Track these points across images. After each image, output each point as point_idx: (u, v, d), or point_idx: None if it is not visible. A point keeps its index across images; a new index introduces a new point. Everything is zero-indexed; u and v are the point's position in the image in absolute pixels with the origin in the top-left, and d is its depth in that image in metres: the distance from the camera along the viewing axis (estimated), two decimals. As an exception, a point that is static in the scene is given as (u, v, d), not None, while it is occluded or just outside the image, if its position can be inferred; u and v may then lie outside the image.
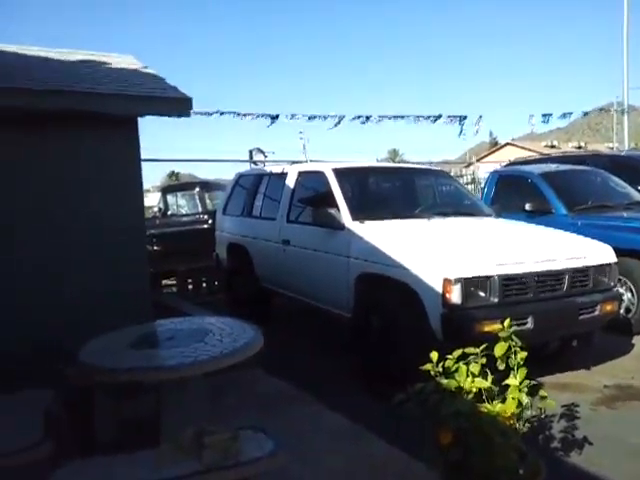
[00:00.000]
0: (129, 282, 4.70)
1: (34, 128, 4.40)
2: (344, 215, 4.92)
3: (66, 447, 2.97)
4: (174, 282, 9.05)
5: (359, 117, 14.28)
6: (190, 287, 8.89)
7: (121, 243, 4.67)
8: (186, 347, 3.22)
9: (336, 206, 5.02)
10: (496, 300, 3.91)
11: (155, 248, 8.35)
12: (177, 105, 4.81)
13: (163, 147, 26.21)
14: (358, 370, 4.62)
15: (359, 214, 4.92)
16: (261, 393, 4.31)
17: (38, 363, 3.53)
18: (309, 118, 14.04)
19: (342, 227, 4.87)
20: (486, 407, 2.52)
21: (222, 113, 13.14)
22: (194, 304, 6.74)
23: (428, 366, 2.70)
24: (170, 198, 11.23)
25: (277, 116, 13.63)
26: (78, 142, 4.60)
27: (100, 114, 4.44)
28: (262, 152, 15.13)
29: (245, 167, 12.60)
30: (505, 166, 10.00)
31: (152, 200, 14.36)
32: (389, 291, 4.30)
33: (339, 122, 14.01)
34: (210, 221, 8.93)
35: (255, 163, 13.58)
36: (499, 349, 2.71)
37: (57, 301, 4.40)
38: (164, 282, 9.09)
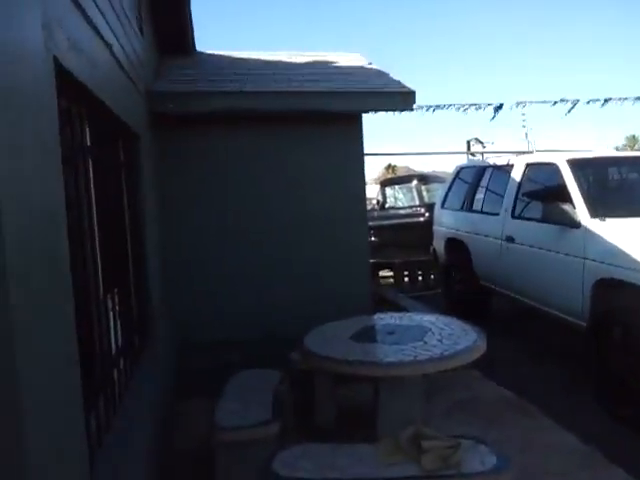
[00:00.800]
0: (352, 274, 4.85)
1: (271, 128, 4.77)
2: (580, 211, 4.42)
3: (288, 428, 3.15)
4: (390, 274, 9.16)
5: (596, 100, 12.62)
6: (406, 280, 8.91)
7: (346, 236, 4.83)
8: (405, 345, 3.19)
9: (571, 201, 4.53)
10: None
11: (373, 239, 8.53)
12: (400, 99, 4.80)
13: (380, 139, 26.82)
14: (591, 384, 4.11)
15: (599, 210, 4.36)
16: (478, 398, 4.10)
17: (271, 347, 3.82)
18: (537, 104, 12.90)
19: (577, 225, 4.37)
20: None
21: (445, 106, 12.74)
22: (410, 297, 6.73)
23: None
24: (388, 191, 11.37)
25: (501, 105, 12.76)
26: (308, 140, 4.86)
27: (326, 111, 4.63)
28: (481, 142, 14.50)
29: (462, 159, 12.18)
30: None
31: (370, 192, 14.74)
32: (639, 301, 3.72)
33: (573, 107, 12.53)
34: (427, 214, 8.82)
35: (473, 154, 13.04)
36: None
37: (289, 290, 4.75)
38: (380, 273, 9.24)
